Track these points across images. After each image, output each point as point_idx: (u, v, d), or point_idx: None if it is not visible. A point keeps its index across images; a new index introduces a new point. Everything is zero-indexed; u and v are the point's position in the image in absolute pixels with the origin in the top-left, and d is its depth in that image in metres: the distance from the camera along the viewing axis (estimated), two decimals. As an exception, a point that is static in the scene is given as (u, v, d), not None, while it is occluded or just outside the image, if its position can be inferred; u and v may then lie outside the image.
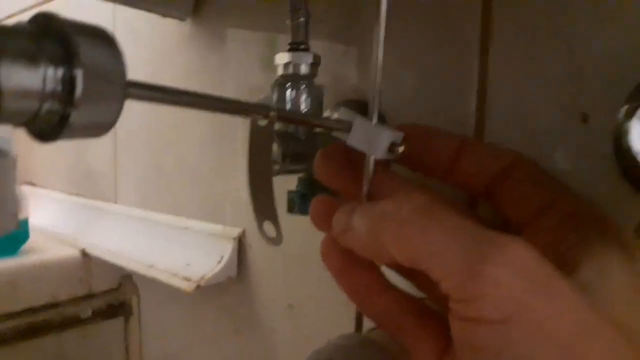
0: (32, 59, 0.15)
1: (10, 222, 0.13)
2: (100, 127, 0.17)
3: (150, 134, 0.60)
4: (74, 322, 0.64)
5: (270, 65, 0.45)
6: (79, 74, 0.15)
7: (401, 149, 0.24)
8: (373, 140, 0.25)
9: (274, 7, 0.43)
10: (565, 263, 0.19)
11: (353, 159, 0.26)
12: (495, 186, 0.25)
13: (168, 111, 0.56)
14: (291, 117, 0.25)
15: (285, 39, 0.42)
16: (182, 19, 0.49)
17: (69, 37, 0.15)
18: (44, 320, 0.62)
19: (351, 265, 0.23)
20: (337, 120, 0.25)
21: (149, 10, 0.46)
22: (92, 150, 0.71)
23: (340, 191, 0.27)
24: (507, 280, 0.16)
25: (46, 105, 0.15)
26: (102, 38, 0.16)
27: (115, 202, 0.67)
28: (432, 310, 0.23)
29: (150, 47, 0.57)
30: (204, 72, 0.51)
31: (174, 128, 0.56)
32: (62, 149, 0.77)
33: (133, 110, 0.58)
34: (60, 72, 0.15)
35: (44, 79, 0.15)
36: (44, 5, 0.72)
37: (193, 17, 0.50)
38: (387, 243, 0.19)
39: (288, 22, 0.32)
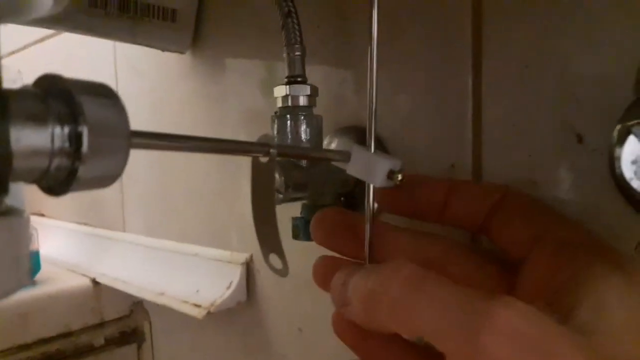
0: (40, 119, 0.15)
1: (25, 278, 0.14)
2: (108, 179, 0.17)
3: (155, 161, 0.60)
4: (88, 350, 0.64)
5: (270, 89, 0.46)
6: (85, 131, 0.16)
7: (400, 176, 0.25)
8: (372, 169, 0.25)
9: (271, 35, 0.44)
10: (561, 301, 0.19)
11: (348, 220, 0.27)
12: (489, 223, 0.25)
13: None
14: (291, 152, 0.26)
15: (284, 66, 0.43)
16: (181, 52, 0.50)
17: (73, 96, 0.16)
18: (58, 350, 0.62)
19: (365, 337, 0.24)
20: (336, 152, 0.26)
21: (149, 46, 0.47)
22: (99, 180, 0.72)
23: (340, 253, 0.28)
24: (502, 349, 0.17)
25: (55, 162, 0.16)
26: (104, 95, 0.17)
27: (124, 231, 0.67)
28: None
29: (151, 80, 0.59)
30: (206, 102, 0.52)
31: (179, 155, 0.57)
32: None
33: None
34: (67, 130, 0.16)
35: (52, 138, 0.16)
36: (46, 42, 0.74)
37: (192, 50, 0.51)
38: (384, 323, 0.20)
39: (284, 55, 0.33)
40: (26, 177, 0.16)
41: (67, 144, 0.16)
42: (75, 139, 0.16)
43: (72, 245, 0.75)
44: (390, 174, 0.25)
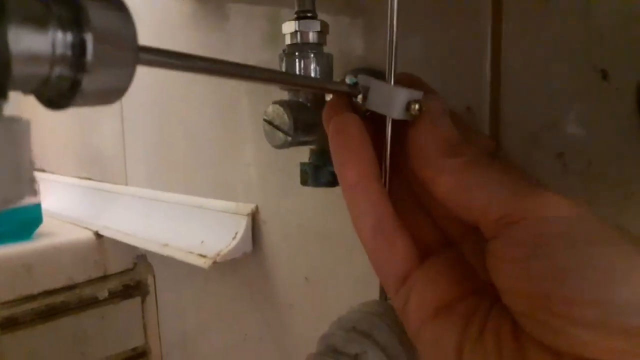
0: (40, 22, 0.14)
1: (27, 189, 0.13)
2: (113, 94, 0.16)
3: (157, 113, 0.59)
4: (92, 303, 0.65)
5: (273, 40, 0.44)
6: (89, 38, 0.15)
7: (417, 106, 0.24)
8: (390, 101, 0.24)
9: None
10: None
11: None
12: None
13: (174, 88, 0.56)
14: (305, 82, 0.25)
15: (288, 13, 0.41)
16: (185, -6, 0.48)
17: (76, -1, 0.15)
18: (62, 302, 0.62)
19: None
20: (353, 86, 0.25)
21: (152, -13, 0.45)
22: (100, 133, 0.71)
23: None
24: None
25: (56, 71, 0.15)
26: (111, 1, 0.16)
27: (126, 184, 0.67)
28: None
29: (150, 26, 0.57)
30: (207, 50, 0.50)
31: (181, 106, 0.56)
32: (70, 133, 0.77)
33: (138, 88, 0.58)
34: (69, 36, 0.15)
35: (54, 43, 0.14)
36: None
37: (196, -6, 0.49)
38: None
39: (295, -11, 0.32)
40: (25, 85, 0.15)
41: (69, 52, 0.15)
42: (78, 46, 0.15)
43: (74, 200, 0.74)
44: (408, 106, 0.24)
